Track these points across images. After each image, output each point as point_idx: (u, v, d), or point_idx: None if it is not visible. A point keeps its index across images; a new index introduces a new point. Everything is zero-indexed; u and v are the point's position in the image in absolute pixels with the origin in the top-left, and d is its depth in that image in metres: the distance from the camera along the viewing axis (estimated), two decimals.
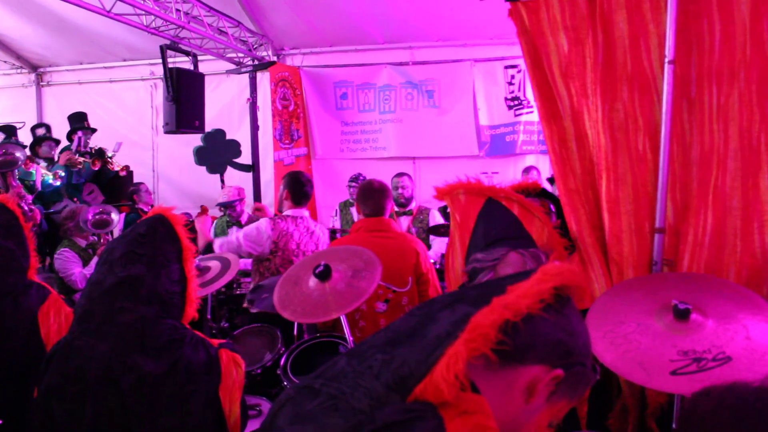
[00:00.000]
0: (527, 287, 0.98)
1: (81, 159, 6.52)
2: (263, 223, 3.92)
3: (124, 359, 1.76)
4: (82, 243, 5.06)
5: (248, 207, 6.17)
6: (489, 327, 0.94)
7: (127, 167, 7.14)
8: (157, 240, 1.93)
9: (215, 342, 1.95)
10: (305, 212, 4.17)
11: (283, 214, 4.10)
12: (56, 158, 6.79)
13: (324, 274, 2.23)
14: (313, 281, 2.27)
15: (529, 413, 1.01)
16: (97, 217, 4.37)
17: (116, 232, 6.56)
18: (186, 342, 1.84)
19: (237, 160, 7.44)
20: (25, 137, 7.33)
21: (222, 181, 7.21)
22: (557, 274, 1.01)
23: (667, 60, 2.19)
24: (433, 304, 1.06)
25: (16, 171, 4.34)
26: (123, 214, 5.75)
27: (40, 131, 7.06)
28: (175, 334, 1.84)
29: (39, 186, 6.02)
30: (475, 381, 0.96)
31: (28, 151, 6.43)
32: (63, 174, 6.37)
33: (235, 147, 7.35)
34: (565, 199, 2.50)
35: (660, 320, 1.84)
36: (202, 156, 7.14)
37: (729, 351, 1.70)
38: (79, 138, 6.90)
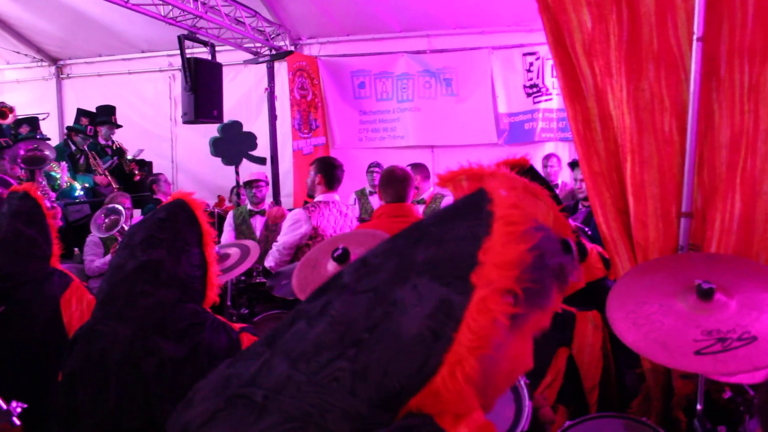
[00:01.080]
0: (501, 253, 0.83)
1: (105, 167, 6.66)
2: (298, 213, 3.99)
3: (146, 343, 1.76)
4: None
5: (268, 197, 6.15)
6: (491, 325, 0.81)
7: (143, 173, 7.22)
8: (178, 224, 1.93)
9: (236, 326, 1.95)
10: (336, 196, 4.23)
11: (315, 200, 4.14)
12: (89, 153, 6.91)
13: (343, 258, 2.21)
14: (332, 265, 2.26)
15: (494, 356, 0.87)
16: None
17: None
18: (207, 326, 1.84)
19: (252, 153, 7.45)
20: (47, 124, 7.42)
21: (237, 173, 7.23)
22: (526, 220, 0.87)
23: (695, 37, 2.12)
24: (374, 273, 0.89)
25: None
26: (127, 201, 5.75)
27: (85, 120, 7.16)
28: (195, 318, 1.84)
29: (63, 183, 6.09)
30: None
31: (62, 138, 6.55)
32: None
33: (251, 139, 7.35)
34: (590, 183, 2.44)
35: (683, 300, 1.80)
36: (218, 147, 7.15)
37: (754, 331, 1.66)
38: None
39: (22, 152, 3.99)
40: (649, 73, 2.23)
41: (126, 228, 4.55)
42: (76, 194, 6.07)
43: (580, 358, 2.07)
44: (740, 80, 2.14)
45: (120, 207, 4.59)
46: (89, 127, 7.16)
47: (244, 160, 7.32)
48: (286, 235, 3.97)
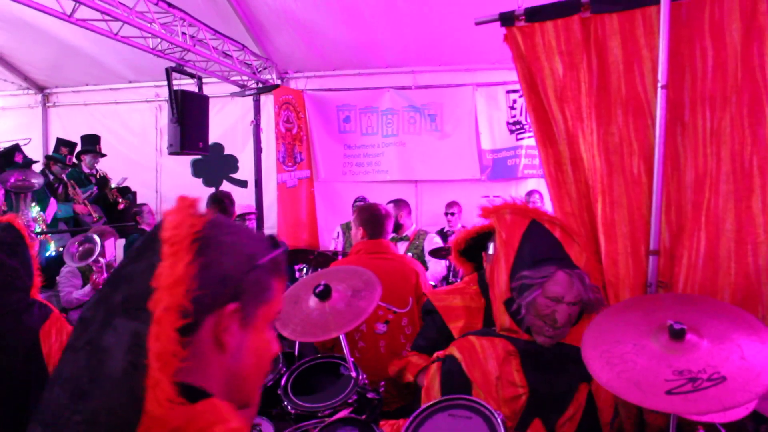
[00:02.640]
0: (169, 275, 0.89)
1: (84, 197, 6.66)
2: None
3: None
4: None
5: None
6: (169, 343, 0.85)
7: (126, 201, 7.22)
8: None
9: None
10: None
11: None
12: (67, 182, 6.90)
13: (324, 294, 2.26)
14: (313, 300, 2.30)
15: (235, 356, 0.97)
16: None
17: (119, 254, 6.63)
18: None
19: (233, 176, 7.50)
20: (31, 152, 7.41)
21: None
22: (185, 237, 0.93)
23: (660, 85, 2.24)
24: (89, 326, 0.92)
25: (30, 199, 4.40)
26: (114, 239, 5.73)
27: (64, 150, 7.17)
28: None
29: (49, 219, 6.09)
30: (185, 379, 0.89)
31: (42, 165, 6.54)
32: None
33: (232, 162, 7.43)
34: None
35: (656, 340, 1.86)
36: (199, 169, 7.22)
37: (724, 371, 1.72)
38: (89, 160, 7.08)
39: (12, 180, 4.01)
40: (618, 118, 2.35)
41: (100, 259, 4.56)
42: (48, 254, 6.03)
43: (598, 394, 2.13)
44: (702, 125, 2.26)
45: (96, 237, 4.58)
46: (68, 156, 7.16)
47: (225, 182, 7.37)
48: None
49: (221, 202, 4.07)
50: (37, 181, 4.09)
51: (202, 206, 1.02)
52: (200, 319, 0.91)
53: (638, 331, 1.93)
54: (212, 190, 7.38)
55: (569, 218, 2.50)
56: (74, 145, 7.30)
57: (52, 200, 6.14)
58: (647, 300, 2.24)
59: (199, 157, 7.16)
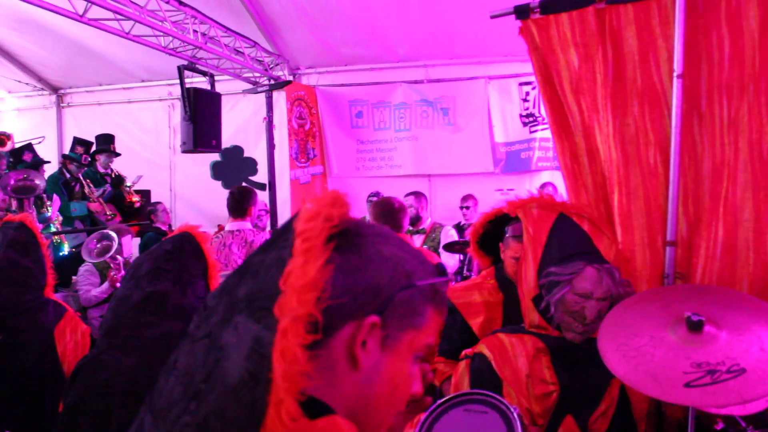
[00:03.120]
0: (300, 276, 0.78)
1: (103, 206, 6.72)
2: None
3: (150, 374, 1.79)
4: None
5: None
6: (297, 361, 0.76)
7: (141, 198, 7.27)
8: (184, 257, 1.98)
9: None
10: (246, 224, 4.19)
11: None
12: (83, 181, 6.96)
13: None
14: None
15: (368, 378, 0.86)
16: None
17: (135, 252, 6.68)
18: None
19: (252, 178, 7.53)
20: (46, 152, 7.48)
21: None
22: (321, 233, 0.82)
23: (675, 74, 2.22)
24: (210, 317, 0.86)
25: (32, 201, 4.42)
26: (131, 237, 5.75)
27: (80, 149, 7.23)
28: None
29: (53, 216, 6.14)
30: (308, 391, 0.79)
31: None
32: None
33: (251, 165, 7.45)
34: None
35: (673, 333, 1.84)
36: (218, 171, 7.26)
37: (743, 363, 1.70)
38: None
39: (12, 181, 4.02)
40: (633, 108, 2.32)
41: (117, 256, 4.60)
42: (61, 254, 6.06)
43: (631, 389, 2.11)
44: (720, 114, 2.23)
45: (113, 234, 4.63)
46: (84, 155, 7.22)
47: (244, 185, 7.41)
48: None
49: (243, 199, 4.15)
50: (40, 182, 4.08)
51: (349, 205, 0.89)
52: (336, 326, 0.82)
53: (655, 323, 1.91)
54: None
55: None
56: (90, 144, 7.36)
57: (55, 197, 6.17)
58: (664, 291, 2.22)
59: (218, 159, 7.18)
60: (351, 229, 0.87)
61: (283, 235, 0.86)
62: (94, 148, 7.44)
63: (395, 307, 0.86)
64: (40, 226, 4.25)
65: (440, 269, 0.95)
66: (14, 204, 4.95)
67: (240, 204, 4.17)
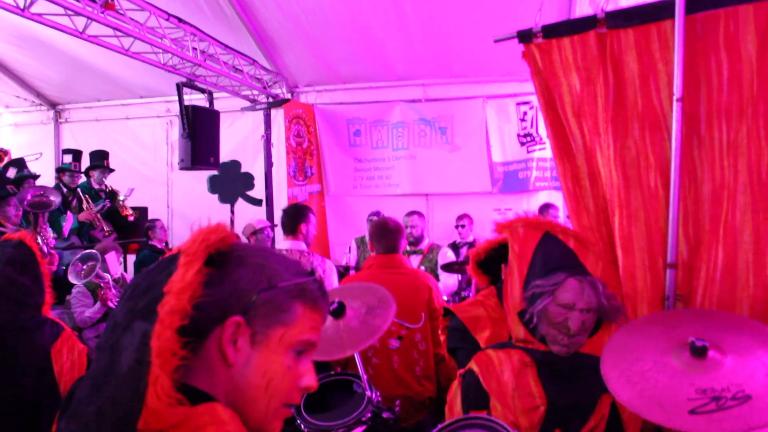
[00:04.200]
0: (179, 281, 0.95)
1: (102, 220, 6.69)
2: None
3: None
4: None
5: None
6: (169, 342, 0.91)
7: (136, 213, 7.24)
8: None
9: None
10: (301, 244, 4.07)
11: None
12: (82, 197, 6.92)
13: (338, 312, 2.24)
14: (327, 319, 2.28)
15: (241, 372, 0.99)
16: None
17: (130, 269, 6.64)
18: None
19: (249, 194, 7.54)
20: (44, 168, 7.45)
21: (232, 212, 7.31)
22: (198, 250, 1.00)
23: (675, 97, 2.23)
24: (116, 328, 0.99)
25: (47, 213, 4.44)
26: (116, 254, 5.69)
27: (68, 158, 7.20)
28: None
29: (66, 233, 6.11)
30: (191, 383, 0.95)
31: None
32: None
33: (248, 180, 7.46)
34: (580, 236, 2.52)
35: (677, 358, 1.82)
36: (215, 184, 7.25)
37: (748, 389, 1.68)
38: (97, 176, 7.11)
39: (29, 197, 4.06)
40: (634, 132, 2.34)
41: (105, 275, 4.57)
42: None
43: (623, 406, 2.09)
44: (719, 137, 2.25)
45: (95, 252, 4.60)
46: (74, 164, 7.19)
47: (240, 201, 7.40)
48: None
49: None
50: (56, 199, 4.13)
51: (227, 228, 1.07)
52: (208, 327, 0.97)
53: (658, 348, 1.89)
54: (227, 206, 7.40)
55: (587, 232, 2.49)
56: (79, 152, 7.32)
57: (69, 214, 6.17)
58: (666, 316, 2.21)
59: (215, 173, 7.19)
60: (224, 250, 1.04)
61: (175, 257, 1.02)
62: (84, 157, 7.41)
63: (258, 307, 1.00)
64: (53, 242, 4.26)
65: (309, 272, 1.07)
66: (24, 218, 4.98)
67: (293, 221, 4.02)
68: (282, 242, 4.08)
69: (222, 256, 1.02)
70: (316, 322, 1.07)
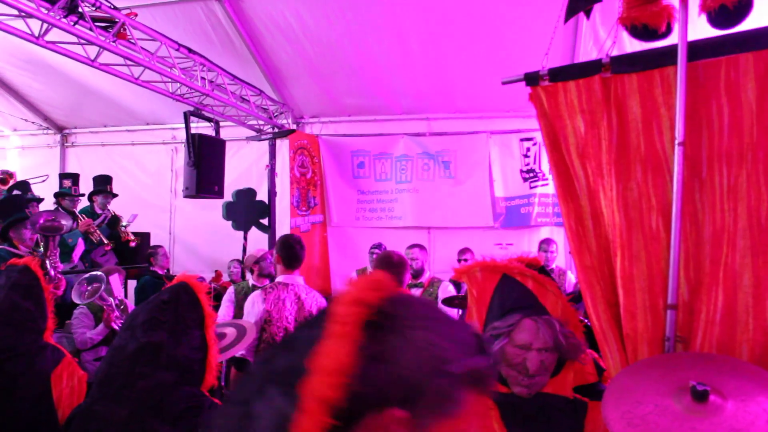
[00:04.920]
0: (330, 359, 0.78)
1: (97, 230, 6.70)
2: (255, 295, 3.90)
3: (142, 426, 1.77)
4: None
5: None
6: None
7: (137, 239, 7.26)
8: (180, 307, 1.98)
9: None
10: (298, 278, 4.03)
11: (276, 281, 4.04)
12: (77, 214, 6.93)
13: None
14: None
15: None
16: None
17: (131, 293, 6.63)
18: (204, 409, 1.85)
19: (262, 221, 7.61)
20: (49, 191, 7.49)
21: (245, 238, 7.34)
22: (353, 317, 0.81)
23: (677, 141, 2.26)
24: (249, 383, 0.86)
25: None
26: (119, 276, 5.70)
27: (66, 182, 7.24)
28: (193, 401, 1.86)
29: (75, 259, 6.13)
30: None
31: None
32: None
33: (263, 207, 7.52)
34: (581, 276, 2.53)
35: (678, 402, 1.82)
36: (230, 211, 7.30)
37: None
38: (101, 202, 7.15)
39: (41, 221, 4.10)
40: (637, 174, 2.37)
41: (108, 297, 4.59)
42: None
43: None
44: (719, 181, 2.27)
45: (101, 274, 4.63)
46: (74, 188, 7.22)
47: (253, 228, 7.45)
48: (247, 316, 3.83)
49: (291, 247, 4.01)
50: (66, 223, 4.18)
51: (388, 285, 0.86)
52: (360, 413, 0.78)
53: (660, 391, 1.89)
54: (240, 234, 7.46)
55: (588, 271, 2.50)
56: (77, 176, 7.37)
57: (80, 240, 6.21)
58: (667, 358, 2.21)
59: (230, 200, 7.26)
60: (388, 313, 0.84)
61: (322, 316, 0.85)
62: (89, 182, 7.45)
63: (425, 397, 0.81)
64: (61, 266, 4.28)
65: (481, 347, 0.89)
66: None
67: (301, 253, 4.02)
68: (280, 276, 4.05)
69: (381, 322, 0.83)
70: (484, 409, 0.91)
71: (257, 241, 7.37)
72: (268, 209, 7.54)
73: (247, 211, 7.43)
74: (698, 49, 2.28)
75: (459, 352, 0.85)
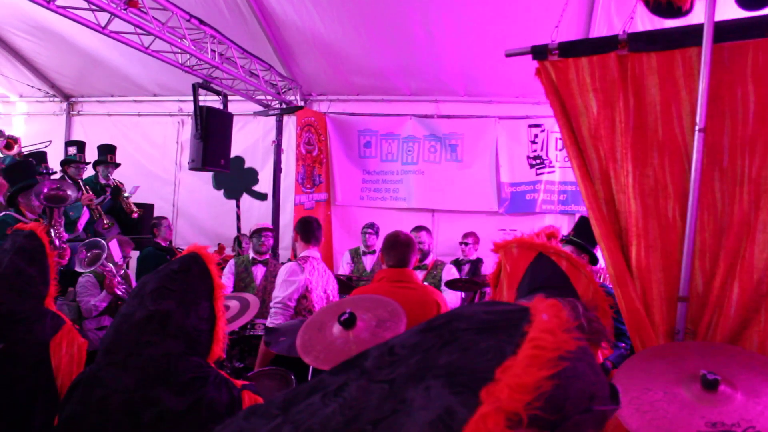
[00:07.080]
0: (521, 374, 0.80)
1: (98, 206, 6.67)
2: (292, 266, 4.06)
3: (147, 393, 1.76)
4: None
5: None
6: None
7: (140, 210, 7.22)
8: (190, 277, 1.95)
9: (238, 383, 1.95)
10: (316, 252, 4.26)
11: (301, 255, 4.18)
12: (82, 185, 6.90)
13: (349, 322, 2.22)
14: (337, 328, 2.26)
15: None
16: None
17: (132, 264, 6.62)
18: (210, 381, 1.84)
19: (254, 188, 7.60)
20: (52, 155, 7.45)
21: (237, 206, 7.32)
22: (557, 344, 0.84)
23: (698, 128, 2.20)
24: (397, 363, 0.89)
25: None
26: (117, 242, 5.68)
27: (72, 150, 7.18)
28: (199, 371, 1.84)
29: (80, 229, 6.10)
30: None
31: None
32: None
33: (252, 175, 7.51)
34: (609, 261, 2.45)
35: (688, 390, 1.80)
36: (220, 181, 7.29)
37: (759, 426, 1.66)
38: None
39: (45, 189, 4.05)
40: (653, 160, 2.31)
41: (108, 263, 4.58)
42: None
43: None
44: (741, 172, 2.21)
45: (101, 241, 4.61)
46: (79, 155, 7.17)
47: (245, 197, 7.43)
48: (287, 290, 3.95)
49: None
50: (72, 193, 4.12)
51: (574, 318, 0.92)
52: (524, 430, 0.79)
53: (669, 379, 1.88)
54: (233, 202, 7.44)
55: (614, 255, 2.42)
56: (82, 144, 7.32)
57: (85, 209, 6.18)
58: (676, 347, 2.18)
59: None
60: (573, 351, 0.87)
61: (506, 328, 0.88)
62: (93, 150, 7.40)
63: (566, 425, 0.83)
64: (66, 235, 4.26)
65: (614, 393, 0.93)
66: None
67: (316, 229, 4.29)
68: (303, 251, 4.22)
69: (565, 359, 0.84)
70: None
71: (252, 210, 7.27)
72: (257, 176, 7.51)
73: (237, 179, 7.41)
74: (725, 31, 2.18)
75: (601, 391, 0.90)
